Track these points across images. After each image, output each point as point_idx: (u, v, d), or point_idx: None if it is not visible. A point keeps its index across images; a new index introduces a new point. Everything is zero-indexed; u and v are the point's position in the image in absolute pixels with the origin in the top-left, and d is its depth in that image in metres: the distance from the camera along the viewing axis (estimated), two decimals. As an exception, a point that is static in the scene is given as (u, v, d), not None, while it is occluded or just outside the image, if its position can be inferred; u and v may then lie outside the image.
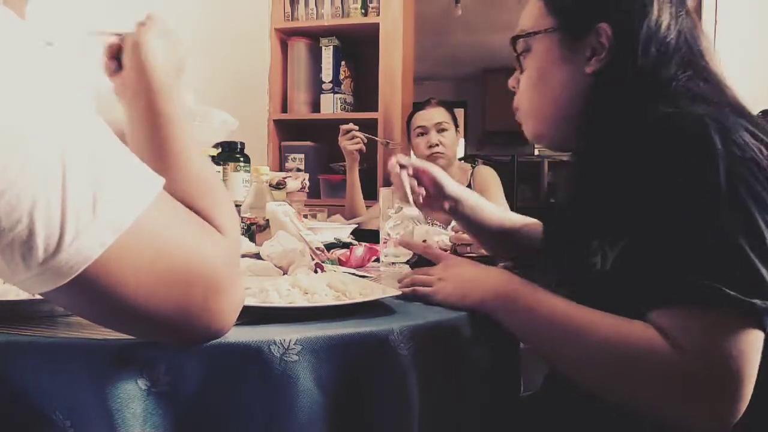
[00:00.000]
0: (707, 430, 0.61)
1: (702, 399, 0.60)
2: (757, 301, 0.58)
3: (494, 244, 1.11)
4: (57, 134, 0.42)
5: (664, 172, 0.64)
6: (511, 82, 0.90)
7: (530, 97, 0.85)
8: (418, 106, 2.34)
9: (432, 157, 2.23)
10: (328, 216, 2.12)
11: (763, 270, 0.59)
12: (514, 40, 0.85)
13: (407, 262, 1.14)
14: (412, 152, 2.37)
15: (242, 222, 1.31)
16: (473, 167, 2.33)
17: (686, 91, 0.72)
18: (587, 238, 0.77)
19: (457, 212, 1.07)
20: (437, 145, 2.20)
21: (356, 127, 2.22)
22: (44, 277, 0.43)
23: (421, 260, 1.08)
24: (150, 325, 0.50)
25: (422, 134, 2.25)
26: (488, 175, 2.29)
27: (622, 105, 0.74)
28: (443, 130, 2.21)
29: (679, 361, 0.60)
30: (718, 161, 0.61)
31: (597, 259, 0.75)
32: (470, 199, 1.07)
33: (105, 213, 0.43)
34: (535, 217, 1.12)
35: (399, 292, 0.79)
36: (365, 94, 2.75)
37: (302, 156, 2.74)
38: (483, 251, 1.21)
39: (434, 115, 2.23)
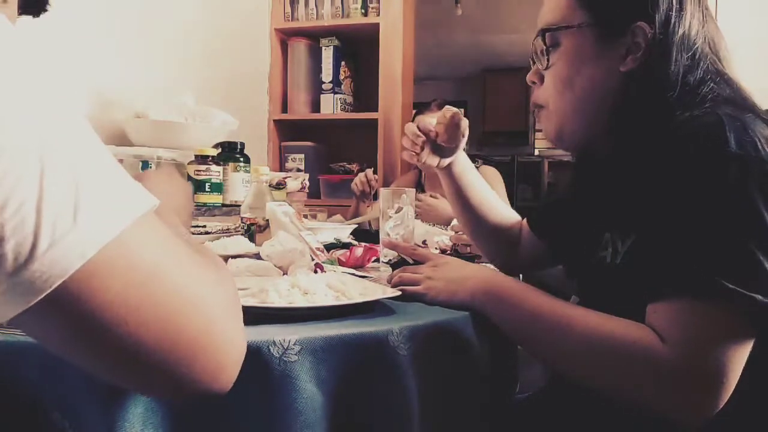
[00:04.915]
0: (684, 421, 0.62)
1: (682, 391, 0.61)
2: (759, 297, 0.58)
3: (464, 217, 1.14)
4: (37, 132, 0.38)
5: (677, 170, 0.65)
6: (530, 77, 0.86)
7: (559, 93, 0.81)
8: (421, 108, 2.34)
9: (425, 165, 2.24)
10: (328, 216, 2.12)
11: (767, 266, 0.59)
12: (543, 33, 0.81)
13: (389, 263, 1.13)
14: None
15: (242, 222, 1.31)
16: (477, 167, 2.33)
17: (715, 96, 0.71)
18: (599, 232, 0.78)
19: (447, 170, 1.11)
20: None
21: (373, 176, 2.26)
22: (15, 294, 0.37)
23: (402, 261, 1.07)
24: (137, 365, 0.41)
25: None
26: (491, 175, 2.30)
27: (653, 106, 0.73)
28: None
29: (662, 354, 0.61)
30: (730, 161, 0.61)
31: (607, 253, 0.76)
32: (465, 161, 1.12)
33: (87, 221, 0.38)
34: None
35: (398, 293, 0.79)
36: (365, 94, 2.75)
37: (302, 156, 2.74)
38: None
39: (432, 120, 2.23)
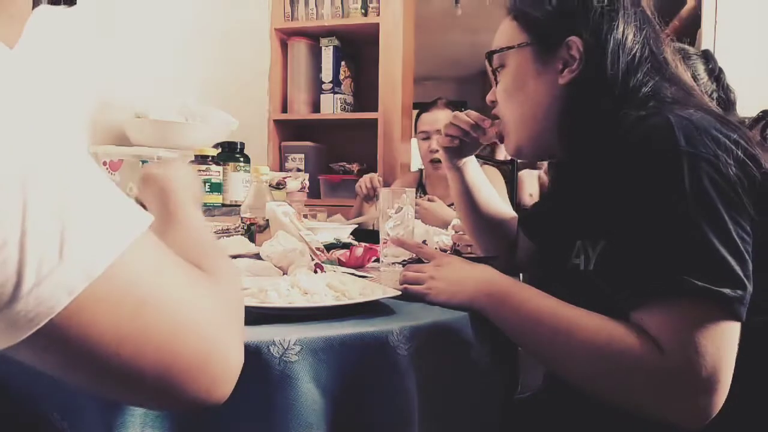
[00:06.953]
0: (687, 425, 0.62)
1: (681, 394, 0.61)
2: (727, 290, 0.59)
3: (470, 217, 1.16)
4: (19, 159, 0.35)
5: (633, 175, 0.66)
6: (489, 96, 0.94)
7: (509, 109, 0.88)
8: (424, 107, 2.33)
9: (433, 163, 2.23)
10: (328, 216, 2.11)
11: (730, 260, 0.60)
12: (489, 55, 0.89)
13: (402, 263, 1.14)
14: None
15: (242, 222, 1.31)
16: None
17: (656, 95, 0.75)
18: (570, 240, 0.79)
19: (460, 169, 1.13)
20: (438, 151, 2.20)
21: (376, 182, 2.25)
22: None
23: (416, 260, 1.08)
24: (133, 387, 0.41)
25: (425, 138, 2.25)
26: (493, 175, 2.30)
27: (596, 112, 0.77)
28: None
29: (658, 359, 0.61)
30: (682, 159, 0.63)
31: (580, 260, 0.76)
32: (475, 163, 1.15)
33: (74, 255, 0.36)
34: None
35: (399, 292, 0.79)
36: (365, 94, 2.75)
37: (302, 156, 2.74)
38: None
39: (438, 118, 2.22)
